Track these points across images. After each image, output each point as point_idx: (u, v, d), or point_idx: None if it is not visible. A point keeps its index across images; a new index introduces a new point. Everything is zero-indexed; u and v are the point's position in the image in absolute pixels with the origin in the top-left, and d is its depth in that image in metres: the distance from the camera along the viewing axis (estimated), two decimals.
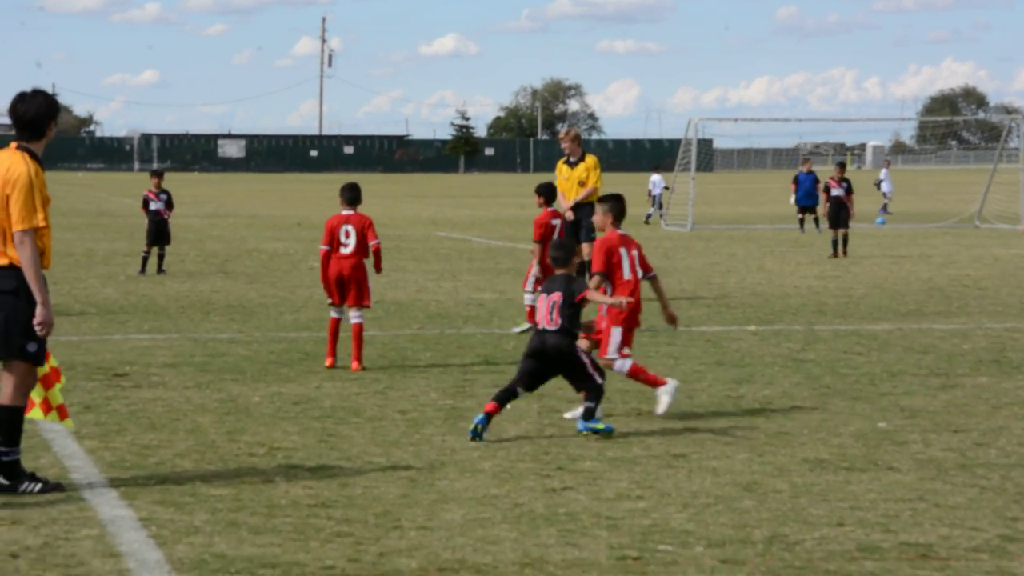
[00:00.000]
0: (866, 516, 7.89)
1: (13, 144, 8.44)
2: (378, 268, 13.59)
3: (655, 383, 10.95)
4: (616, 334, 10.92)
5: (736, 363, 13.73)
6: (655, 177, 44.84)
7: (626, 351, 10.98)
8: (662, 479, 8.79)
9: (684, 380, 12.64)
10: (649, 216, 43.81)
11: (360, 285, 13.39)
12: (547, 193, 16.66)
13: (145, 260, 23.76)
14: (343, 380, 12.63)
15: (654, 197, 44.60)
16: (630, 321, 10.97)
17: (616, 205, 11.30)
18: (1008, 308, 18.81)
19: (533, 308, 16.06)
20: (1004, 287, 21.78)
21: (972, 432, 10.32)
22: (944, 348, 14.79)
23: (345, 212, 13.50)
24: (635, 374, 10.98)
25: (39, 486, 8.34)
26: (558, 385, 12.28)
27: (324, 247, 13.51)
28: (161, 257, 23.89)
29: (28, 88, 8.49)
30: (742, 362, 13.82)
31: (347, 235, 13.38)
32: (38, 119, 8.39)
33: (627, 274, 11.04)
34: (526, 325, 16.05)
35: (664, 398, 10.86)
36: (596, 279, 11.00)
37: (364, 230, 13.41)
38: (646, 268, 11.23)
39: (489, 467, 9.10)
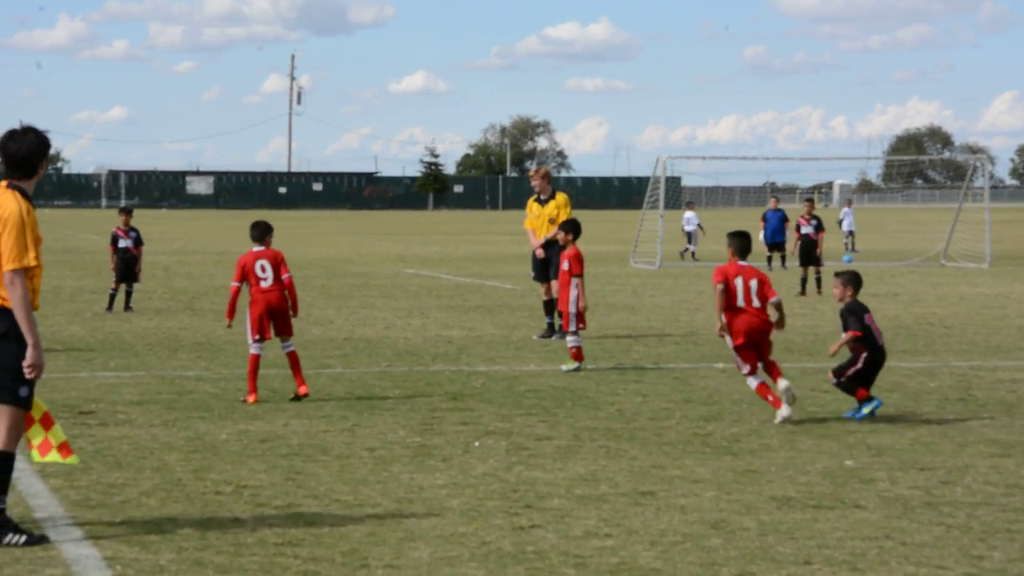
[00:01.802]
0: (833, 554, 7.91)
1: (3, 182, 8.22)
2: (295, 309, 13.90)
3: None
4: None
5: (704, 400, 13.76)
6: (688, 214, 46.31)
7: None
8: (630, 517, 8.79)
9: (652, 418, 12.67)
10: (684, 252, 45.09)
11: (285, 315, 13.75)
12: (575, 229, 16.78)
13: (112, 297, 23.62)
14: (310, 417, 12.59)
15: (688, 233, 45.96)
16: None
17: (739, 241, 12.91)
18: (974, 347, 18.91)
19: (579, 348, 16.01)
20: (970, 325, 21.91)
21: (938, 470, 10.36)
22: (910, 386, 14.85)
23: (256, 248, 13.85)
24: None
25: (24, 538, 8.05)
26: (527, 423, 12.28)
27: (236, 284, 13.84)
28: (128, 294, 23.75)
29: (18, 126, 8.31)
30: (710, 399, 13.84)
31: (263, 269, 13.75)
32: (29, 157, 8.19)
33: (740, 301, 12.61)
34: (574, 364, 15.90)
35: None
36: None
37: (278, 264, 13.74)
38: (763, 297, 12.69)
39: (457, 505, 9.08)
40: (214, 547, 7.95)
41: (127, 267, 23.63)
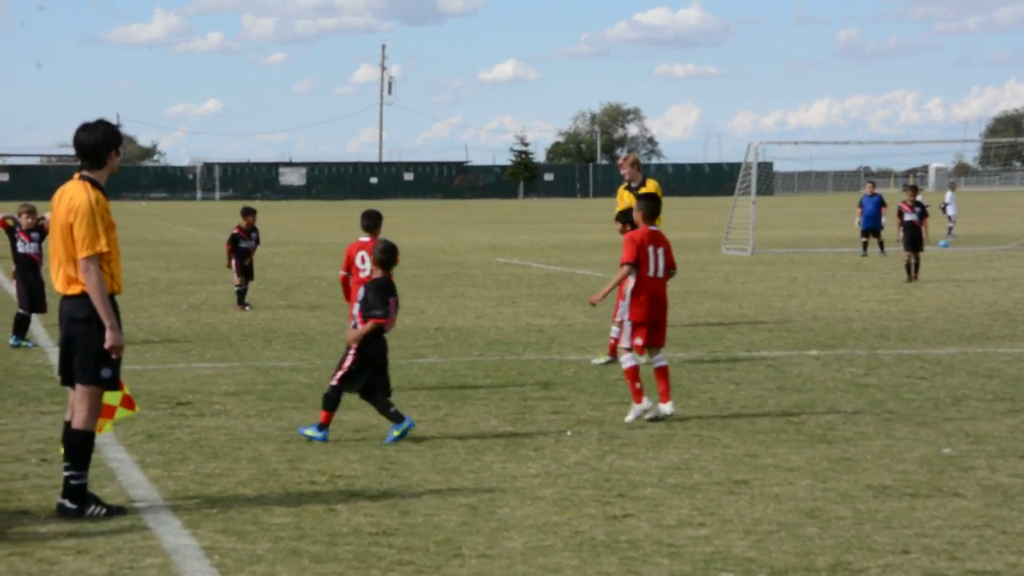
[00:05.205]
0: (931, 543, 7.81)
1: (76, 174, 8.66)
2: None
3: (635, 396, 11.91)
4: (627, 326, 12.06)
5: (798, 388, 13.64)
6: (949, 194, 50.25)
7: (637, 342, 12.04)
8: (724, 506, 8.74)
9: (745, 405, 12.58)
10: (949, 230, 48.04)
11: None
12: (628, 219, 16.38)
13: (242, 293, 22.82)
14: (403, 407, 12.63)
15: (949, 215, 49.19)
16: (642, 315, 12.00)
17: (649, 205, 12.40)
18: None
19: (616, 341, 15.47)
20: None
21: None
22: (1010, 372, 14.61)
23: (363, 239, 13.76)
24: (628, 375, 11.96)
25: (104, 510, 8.50)
26: (619, 412, 12.26)
27: (343, 272, 13.76)
28: (242, 293, 23.26)
29: (92, 118, 8.72)
30: (804, 387, 13.72)
31: (363, 260, 13.65)
32: (99, 148, 8.60)
33: (651, 271, 12.13)
34: (606, 358, 15.39)
35: (632, 415, 11.86)
36: (626, 268, 12.08)
37: None
38: (670, 265, 12.29)
39: (550, 494, 9.08)
40: (309, 536, 8.03)
41: (249, 267, 23.06)
